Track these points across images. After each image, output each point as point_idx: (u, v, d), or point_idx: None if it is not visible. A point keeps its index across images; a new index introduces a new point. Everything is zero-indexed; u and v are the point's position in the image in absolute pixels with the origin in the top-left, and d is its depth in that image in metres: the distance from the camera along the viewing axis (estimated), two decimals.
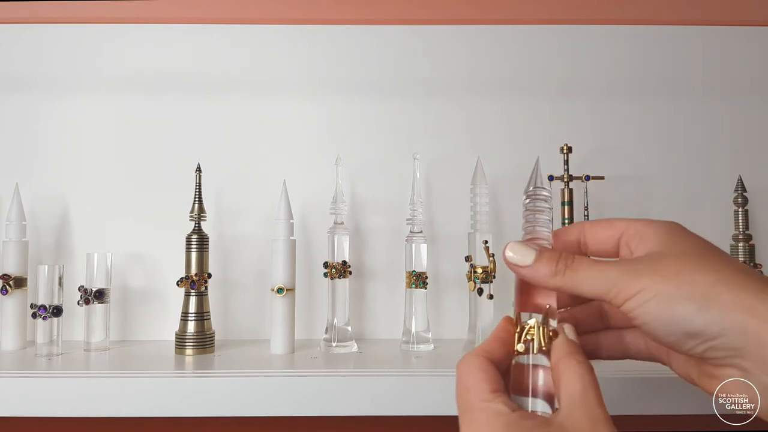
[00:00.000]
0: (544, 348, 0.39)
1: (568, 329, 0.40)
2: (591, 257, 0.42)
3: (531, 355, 0.39)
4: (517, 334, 0.40)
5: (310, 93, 0.85)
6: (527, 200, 0.44)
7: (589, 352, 0.42)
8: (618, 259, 0.42)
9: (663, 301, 0.36)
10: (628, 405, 0.59)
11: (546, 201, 0.44)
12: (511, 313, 0.43)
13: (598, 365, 0.39)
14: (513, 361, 0.40)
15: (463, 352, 0.72)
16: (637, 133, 0.85)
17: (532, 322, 0.40)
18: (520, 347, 0.39)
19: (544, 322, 0.40)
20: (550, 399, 0.38)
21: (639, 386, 0.59)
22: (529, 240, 0.43)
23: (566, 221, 0.75)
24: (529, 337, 0.39)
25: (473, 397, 0.37)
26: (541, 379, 0.39)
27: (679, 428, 0.74)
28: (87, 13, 0.84)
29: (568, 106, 0.85)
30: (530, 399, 0.38)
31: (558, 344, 0.39)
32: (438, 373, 0.61)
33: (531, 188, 0.45)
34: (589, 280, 0.39)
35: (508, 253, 0.41)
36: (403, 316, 0.76)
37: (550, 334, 0.39)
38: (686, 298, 0.36)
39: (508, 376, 0.40)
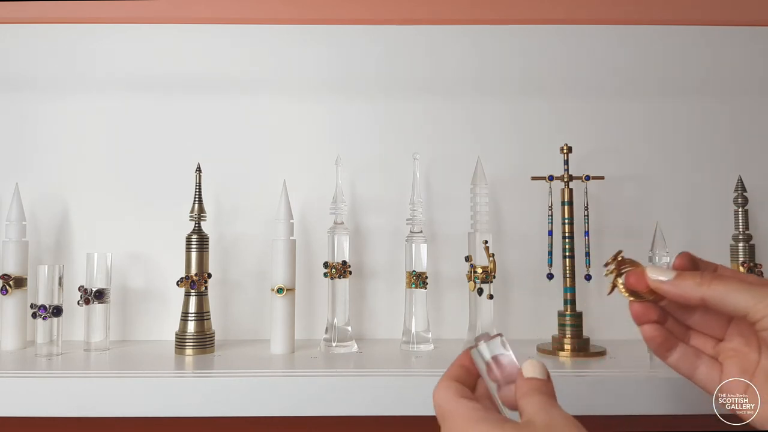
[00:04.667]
0: None
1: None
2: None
3: None
4: None
5: (310, 93, 0.85)
6: None
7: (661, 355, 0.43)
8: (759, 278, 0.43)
9: None
10: (628, 405, 0.59)
11: None
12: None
13: None
14: None
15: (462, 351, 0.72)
16: (637, 133, 0.85)
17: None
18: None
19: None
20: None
21: (640, 386, 0.59)
22: None
23: (566, 221, 0.74)
24: None
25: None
26: None
27: (679, 428, 0.73)
28: (86, 13, 0.84)
29: (568, 106, 0.85)
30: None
31: None
32: (438, 373, 0.60)
33: None
34: (734, 292, 0.39)
35: (650, 274, 0.42)
36: (403, 316, 0.76)
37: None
38: None
39: None
